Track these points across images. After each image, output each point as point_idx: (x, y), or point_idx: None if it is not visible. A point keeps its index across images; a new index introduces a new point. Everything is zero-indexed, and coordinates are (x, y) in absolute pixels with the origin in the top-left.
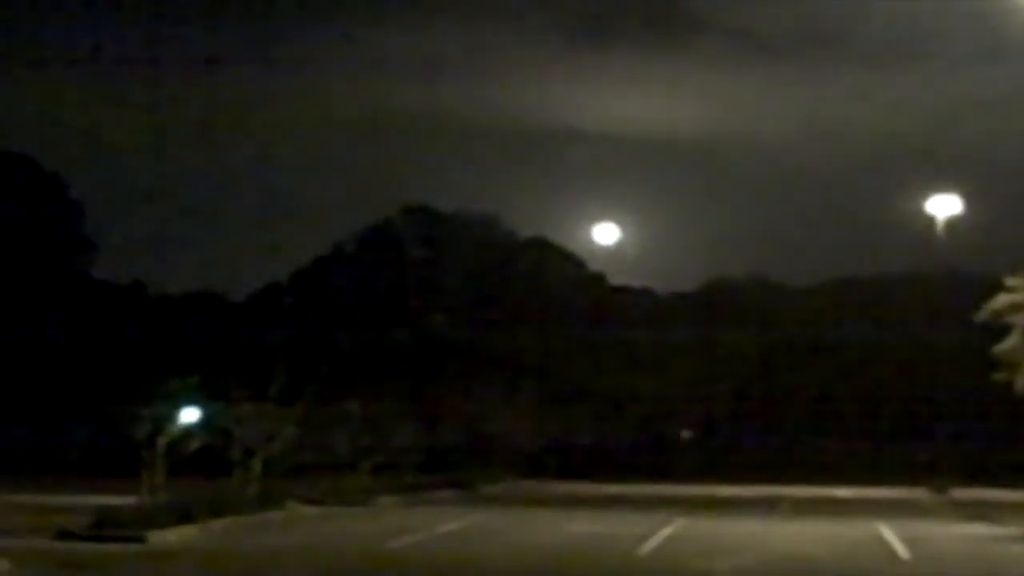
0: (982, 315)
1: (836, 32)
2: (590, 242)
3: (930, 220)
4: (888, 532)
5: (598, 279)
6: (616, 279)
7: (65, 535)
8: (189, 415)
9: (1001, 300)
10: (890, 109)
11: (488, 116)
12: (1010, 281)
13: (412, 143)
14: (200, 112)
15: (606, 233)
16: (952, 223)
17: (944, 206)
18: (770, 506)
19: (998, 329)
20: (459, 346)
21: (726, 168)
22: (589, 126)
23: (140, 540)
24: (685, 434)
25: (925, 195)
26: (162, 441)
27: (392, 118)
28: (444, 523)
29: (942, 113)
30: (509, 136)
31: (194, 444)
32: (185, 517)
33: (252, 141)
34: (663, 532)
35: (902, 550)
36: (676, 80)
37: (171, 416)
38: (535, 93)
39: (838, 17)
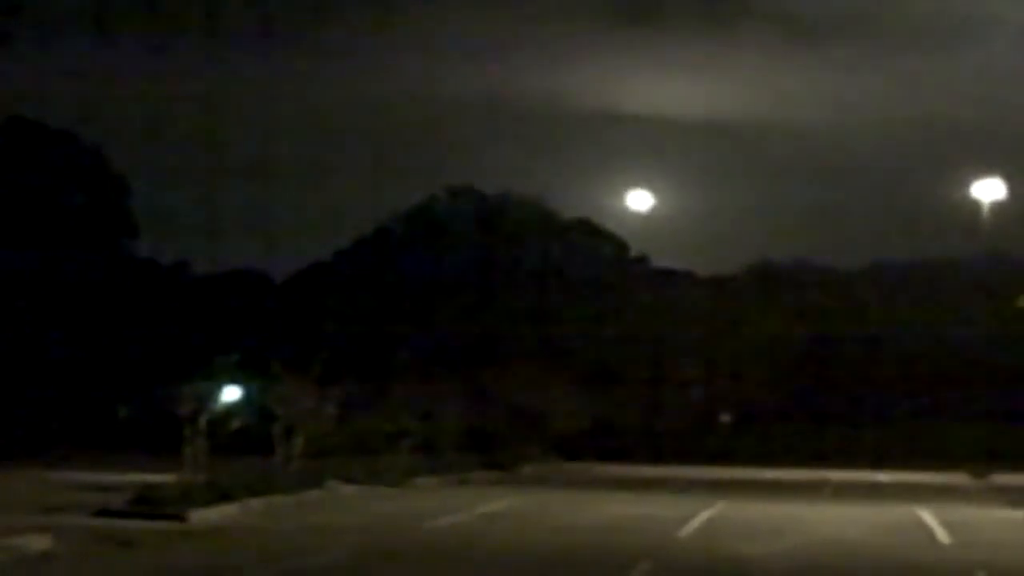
0: None
1: (881, 17)
2: (631, 217)
3: (975, 204)
4: (928, 517)
5: (641, 260)
6: (658, 261)
7: (106, 512)
8: (230, 393)
9: None
10: (935, 93)
11: (533, 97)
12: None
13: (457, 124)
14: (247, 91)
15: (639, 200)
16: (997, 207)
17: (989, 190)
18: (810, 490)
19: None
20: (502, 327)
21: (770, 151)
22: (633, 108)
23: (180, 518)
24: (724, 417)
25: (970, 179)
26: (204, 419)
27: (437, 99)
28: (484, 504)
29: (987, 97)
30: (554, 117)
31: (235, 423)
32: (225, 496)
33: (296, 121)
34: (704, 515)
35: (942, 534)
36: (721, 64)
37: (213, 394)
38: (580, 75)
39: (883, 2)
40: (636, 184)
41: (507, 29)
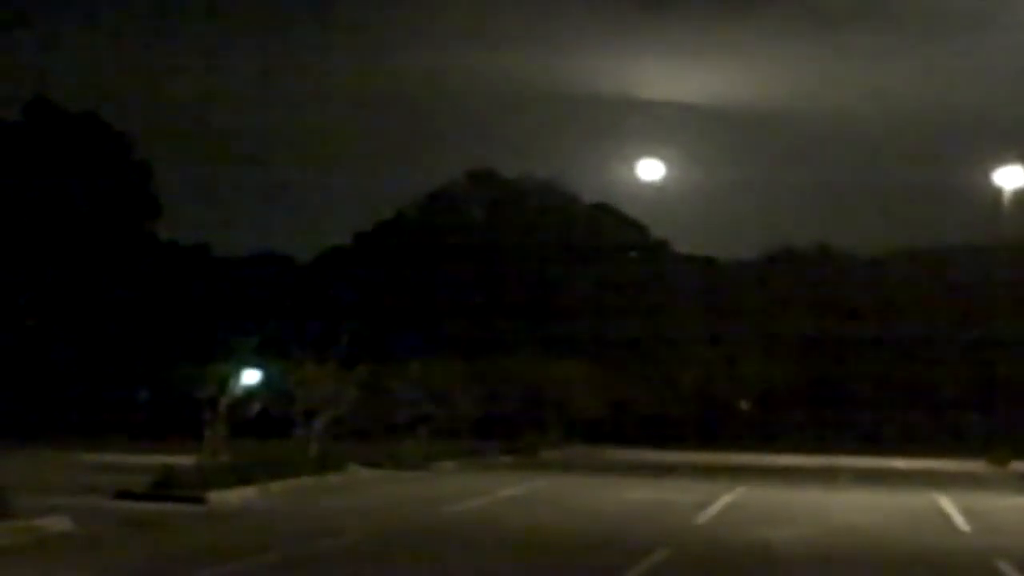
0: None
1: (903, 3)
2: (643, 188)
3: (997, 192)
4: (947, 504)
5: (660, 245)
6: (679, 246)
7: (125, 495)
8: (251, 376)
9: None
10: (957, 80)
11: (552, 82)
12: None
13: (479, 109)
14: (267, 75)
15: (651, 170)
16: (1019, 195)
17: (1011, 178)
18: (829, 476)
19: None
20: (519, 310)
21: (791, 138)
22: (652, 94)
23: (200, 500)
24: (743, 403)
25: (992, 167)
26: (224, 402)
27: (459, 84)
28: (503, 488)
29: (1010, 84)
30: (572, 102)
31: (256, 406)
32: (245, 478)
33: (319, 103)
34: (722, 500)
35: (961, 522)
36: (739, 50)
37: (233, 377)
38: (599, 60)
39: None
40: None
41: (528, 15)
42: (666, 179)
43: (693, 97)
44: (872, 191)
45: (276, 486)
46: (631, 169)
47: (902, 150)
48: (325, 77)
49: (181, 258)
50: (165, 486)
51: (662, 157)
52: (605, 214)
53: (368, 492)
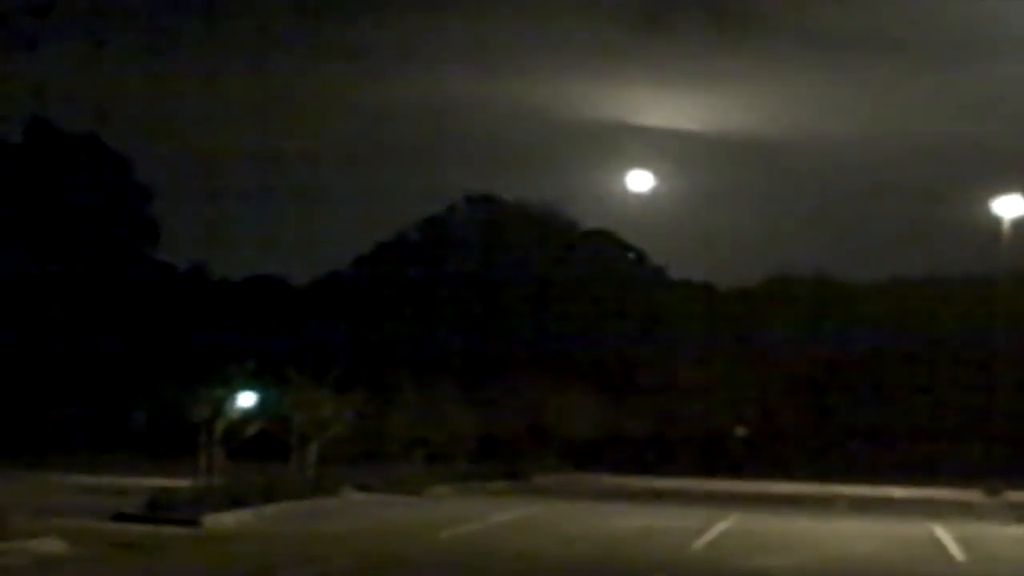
0: None
1: (904, 35)
2: (632, 197)
3: (996, 221)
4: (942, 533)
5: (658, 271)
6: (676, 272)
7: (120, 517)
8: (246, 399)
9: None
10: (957, 110)
11: (550, 107)
12: None
13: (476, 132)
14: (264, 99)
15: (639, 180)
16: (1018, 224)
17: (1010, 207)
18: (824, 504)
19: None
20: (515, 335)
21: (789, 165)
22: (651, 120)
23: (195, 523)
24: (739, 431)
25: (991, 196)
26: (219, 425)
27: (457, 107)
28: (497, 514)
29: (1010, 114)
30: (571, 127)
31: (251, 429)
32: (240, 501)
33: (316, 127)
34: (717, 527)
35: (956, 551)
36: (739, 77)
37: (229, 400)
38: (597, 86)
39: (906, 20)
40: (654, 196)
41: (527, 40)
42: (665, 202)
43: (692, 124)
44: (871, 219)
45: (270, 509)
46: (624, 188)
47: (901, 178)
48: (322, 100)
49: (178, 280)
50: (160, 508)
51: (660, 181)
52: (603, 240)
53: (362, 517)
